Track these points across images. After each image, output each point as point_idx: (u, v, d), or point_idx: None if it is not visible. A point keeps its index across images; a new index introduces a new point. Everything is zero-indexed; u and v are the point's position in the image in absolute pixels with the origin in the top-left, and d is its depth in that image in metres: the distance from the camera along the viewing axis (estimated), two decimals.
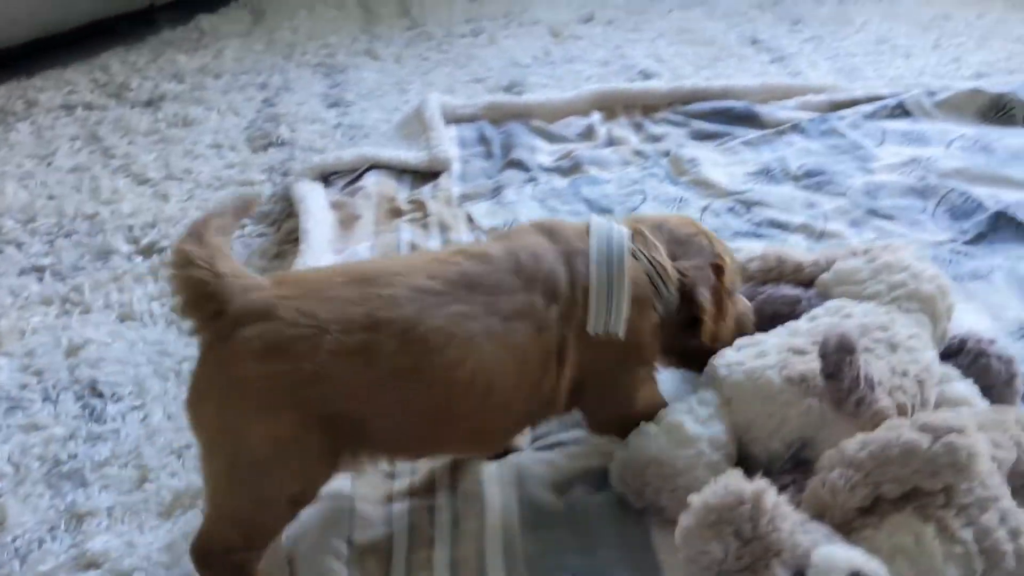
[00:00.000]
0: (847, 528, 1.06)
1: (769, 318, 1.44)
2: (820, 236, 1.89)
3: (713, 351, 1.32)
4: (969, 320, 1.60)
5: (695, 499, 1.02)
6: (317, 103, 2.82)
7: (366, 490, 1.33)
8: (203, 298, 1.04)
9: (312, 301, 1.05)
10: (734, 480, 1.02)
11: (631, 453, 1.25)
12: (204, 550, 1.09)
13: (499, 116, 2.53)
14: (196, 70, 3.13)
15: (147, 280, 1.94)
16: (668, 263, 1.26)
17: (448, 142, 2.33)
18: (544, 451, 1.39)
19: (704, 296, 1.27)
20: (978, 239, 1.84)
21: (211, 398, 1.05)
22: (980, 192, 1.96)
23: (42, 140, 2.66)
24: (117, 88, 3.00)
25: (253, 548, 1.11)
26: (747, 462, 1.26)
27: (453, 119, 2.54)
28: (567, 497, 1.31)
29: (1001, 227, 1.85)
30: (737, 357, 1.30)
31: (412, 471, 1.36)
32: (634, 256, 1.24)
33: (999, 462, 1.12)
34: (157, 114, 2.77)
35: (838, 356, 1.17)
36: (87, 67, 3.21)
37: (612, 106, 2.54)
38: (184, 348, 1.71)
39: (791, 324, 1.36)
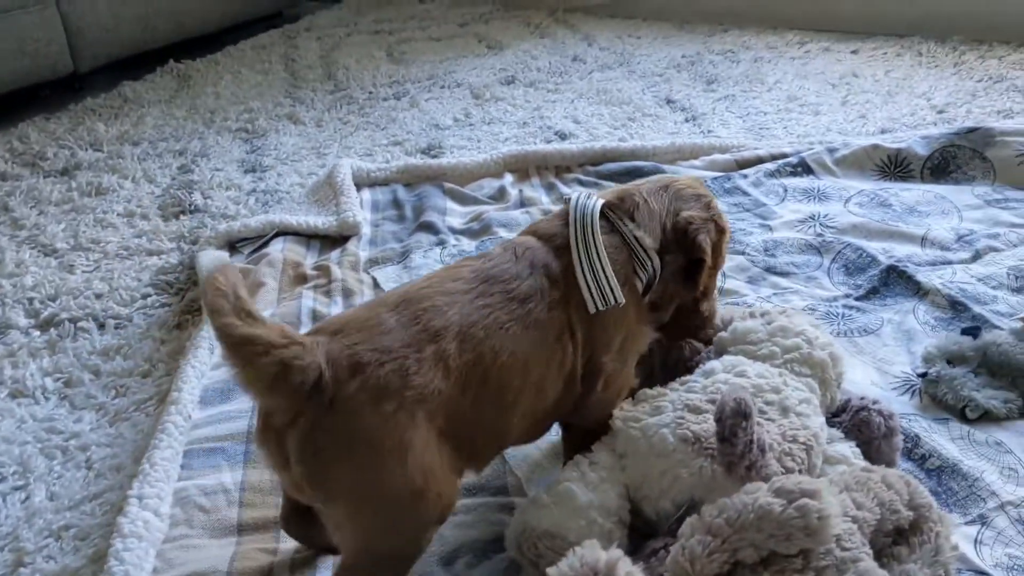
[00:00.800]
0: None
1: (671, 367, 1.46)
2: (720, 291, 1.92)
3: (698, 325, 1.47)
4: (857, 374, 1.63)
5: (551, 571, 1.01)
6: (234, 169, 2.82)
7: (244, 563, 1.30)
8: (299, 373, 1.02)
9: (380, 337, 1.10)
10: (589, 551, 1.01)
11: (526, 522, 1.24)
12: None
13: (413, 179, 2.55)
14: (115, 137, 3.12)
15: (43, 354, 1.90)
16: (643, 234, 1.33)
17: (358, 206, 2.34)
18: None
19: (705, 240, 1.35)
20: (871, 294, 1.87)
21: (343, 459, 1.06)
22: (874, 247, 2.00)
23: None
24: (32, 157, 2.98)
25: (403, 572, 1.15)
26: (638, 521, 1.27)
27: (367, 183, 2.55)
28: (450, 569, 1.30)
29: (892, 281, 1.89)
30: (634, 412, 1.31)
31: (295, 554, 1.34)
32: (613, 227, 1.31)
33: (860, 522, 1.13)
34: (71, 183, 2.75)
35: (734, 421, 1.17)
36: (5, 136, 3.19)
37: (525, 167, 2.58)
38: (73, 424, 1.68)
39: (687, 379, 1.37)
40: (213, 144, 3.02)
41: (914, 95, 3.01)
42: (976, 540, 1.28)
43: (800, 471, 1.23)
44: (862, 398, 1.43)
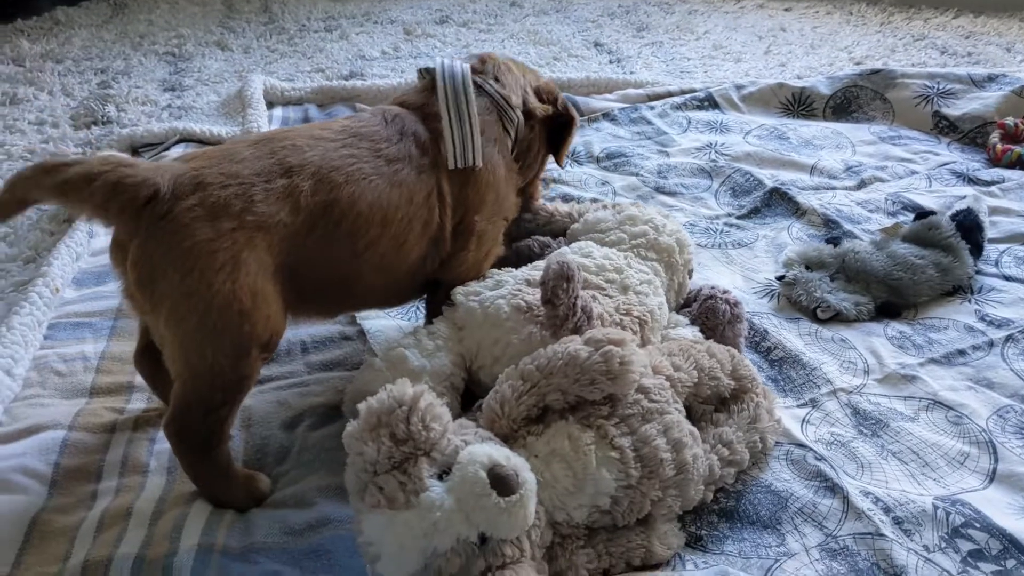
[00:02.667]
0: (514, 437, 1.09)
1: (525, 259, 1.49)
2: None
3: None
4: (724, 280, 1.67)
5: (362, 405, 1.04)
6: (153, 88, 2.80)
7: (88, 419, 1.32)
8: (130, 190, 1.05)
9: (229, 164, 1.13)
10: (398, 386, 1.04)
11: (358, 386, 1.27)
12: (181, 421, 1.12)
13: (326, 99, 2.56)
14: (38, 54, 3.08)
15: None
16: (512, 95, 1.41)
17: (264, 119, 2.34)
18: (277, 391, 1.40)
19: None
20: (752, 213, 1.92)
21: (170, 269, 1.07)
22: (763, 173, 2.04)
23: None
24: None
25: (230, 403, 1.14)
26: (477, 390, 1.30)
27: (281, 101, 2.56)
28: (291, 433, 1.32)
29: (775, 202, 1.93)
30: (476, 287, 1.33)
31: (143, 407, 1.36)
32: (481, 89, 1.37)
33: (674, 382, 1.16)
34: None
35: (555, 282, 1.20)
36: None
37: None
38: None
39: (536, 262, 1.40)
40: (136, 65, 3.01)
41: (836, 48, 3.05)
42: (804, 420, 1.33)
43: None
44: (712, 287, 1.47)
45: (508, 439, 1.09)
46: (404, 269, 1.29)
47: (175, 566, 1.07)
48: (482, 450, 1.00)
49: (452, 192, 1.30)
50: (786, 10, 3.56)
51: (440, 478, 0.99)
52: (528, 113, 1.43)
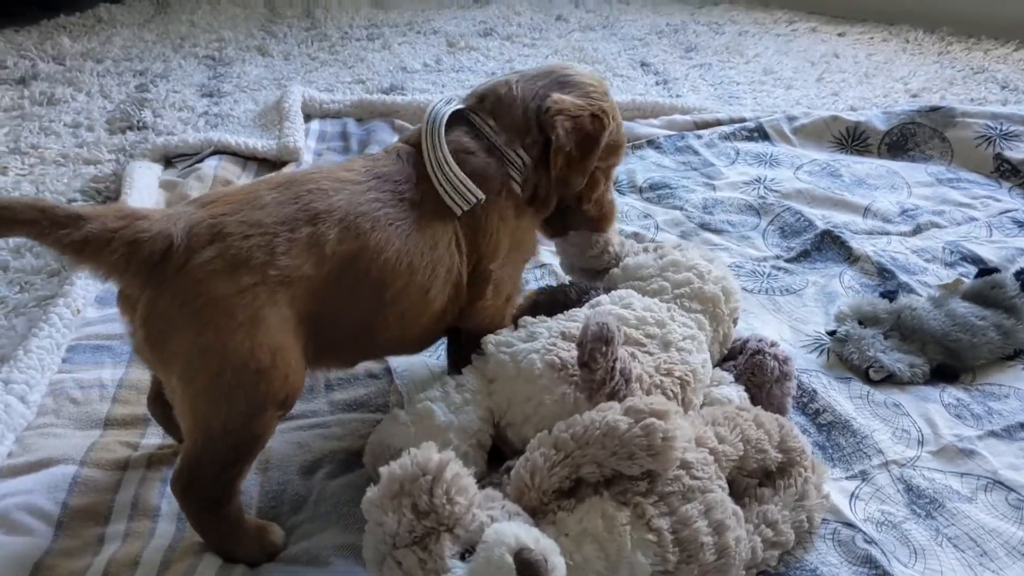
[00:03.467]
0: (544, 511, 1.02)
1: (561, 306, 1.41)
2: (649, 243, 1.87)
3: (593, 218, 1.42)
4: (771, 330, 1.59)
5: (383, 470, 0.97)
6: (191, 92, 2.77)
7: (101, 454, 1.27)
8: (146, 246, 0.99)
9: (251, 211, 1.06)
10: (423, 452, 0.97)
11: (381, 438, 1.21)
12: (188, 479, 1.06)
13: (365, 114, 2.51)
14: (79, 53, 3.07)
15: None
16: (504, 134, 1.26)
17: (301, 133, 2.29)
18: (298, 432, 1.34)
19: (562, 121, 1.25)
20: (801, 256, 1.83)
21: (184, 326, 1.00)
22: (814, 213, 1.96)
23: None
24: None
25: (242, 461, 1.08)
26: (504, 447, 1.23)
27: (319, 113, 2.51)
28: (310, 479, 1.26)
29: (825, 246, 1.84)
30: (508, 337, 1.26)
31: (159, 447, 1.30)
32: (478, 131, 1.26)
33: (718, 455, 1.09)
34: (24, 91, 2.71)
35: (594, 345, 1.13)
36: None
37: None
38: None
39: (573, 311, 1.33)
40: (176, 68, 2.98)
41: (891, 78, 2.95)
42: (853, 495, 1.24)
43: None
44: (760, 340, 1.39)
45: (537, 513, 1.02)
46: (428, 317, 1.22)
47: None
48: (509, 530, 0.92)
49: (466, 238, 1.22)
50: (839, 35, 3.46)
51: (463, 557, 0.92)
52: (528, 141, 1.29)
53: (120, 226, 0.98)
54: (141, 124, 2.50)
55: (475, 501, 0.96)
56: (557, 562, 0.92)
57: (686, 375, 1.23)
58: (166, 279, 1.00)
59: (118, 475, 1.25)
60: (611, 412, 1.03)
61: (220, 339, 1.00)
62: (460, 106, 1.28)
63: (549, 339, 1.22)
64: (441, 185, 1.18)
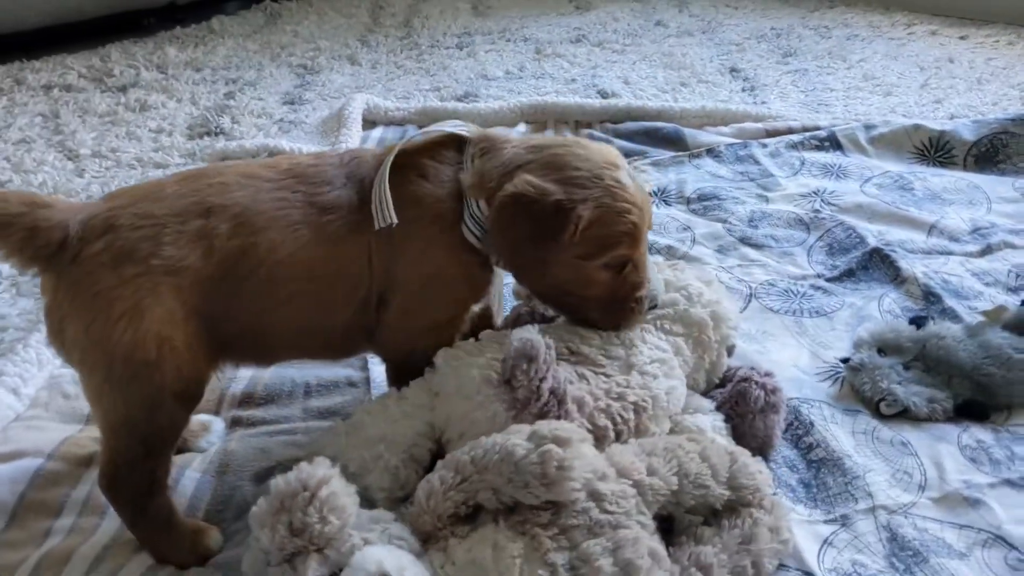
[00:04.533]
0: (437, 536, 0.96)
1: (543, 322, 1.34)
2: (681, 258, 1.77)
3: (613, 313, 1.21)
4: (784, 355, 1.48)
5: (272, 483, 0.95)
6: (274, 100, 2.84)
7: (70, 448, 1.30)
8: (43, 235, 1.02)
9: (147, 204, 1.07)
10: (309, 468, 0.94)
11: (314, 448, 1.18)
12: (110, 475, 1.08)
13: (428, 120, 2.50)
14: (181, 63, 3.21)
15: None
16: (472, 177, 1.16)
17: (355, 140, 2.31)
18: (264, 437, 1.34)
19: (501, 203, 1.11)
20: (845, 276, 1.69)
21: (74, 319, 1.04)
22: (868, 229, 1.80)
23: (10, 115, 2.76)
24: (101, 74, 3.10)
25: (155, 455, 1.09)
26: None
27: (384, 120, 2.53)
28: (262, 486, 1.25)
29: (873, 265, 1.69)
30: (458, 350, 1.20)
31: None
32: (466, 154, 1.19)
33: (643, 489, 1.00)
34: (121, 98, 2.85)
35: (515, 362, 1.07)
36: (90, 54, 3.33)
37: (544, 119, 2.48)
38: (7, 308, 1.72)
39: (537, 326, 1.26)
40: (267, 76, 3.06)
41: (1006, 84, 2.69)
42: (826, 540, 1.12)
43: (619, 431, 1.11)
44: (751, 368, 1.29)
45: (430, 538, 0.97)
46: (331, 329, 1.18)
47: None
48: (374, 555, 0.88)
49: (381, 255, 1.14)
50: (961, 38, 3.19)
51: None
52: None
53: (21, 212, 1.01)
54: (219, 130, 2.58)
55: (350, 522, 0.91)
56: None
57: (643, 400, 1.15)
58: (62, 270, 1.02)
59: (80, 471, 1.27)
60: (513, 437, 0.96)
61: (106, 330, 1.01)
62: (465, 133, 1.21)
63: (494, 354, 1.16)
64: (377, 195, 1.13)
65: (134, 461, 1.07)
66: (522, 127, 2.44)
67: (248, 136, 2.52)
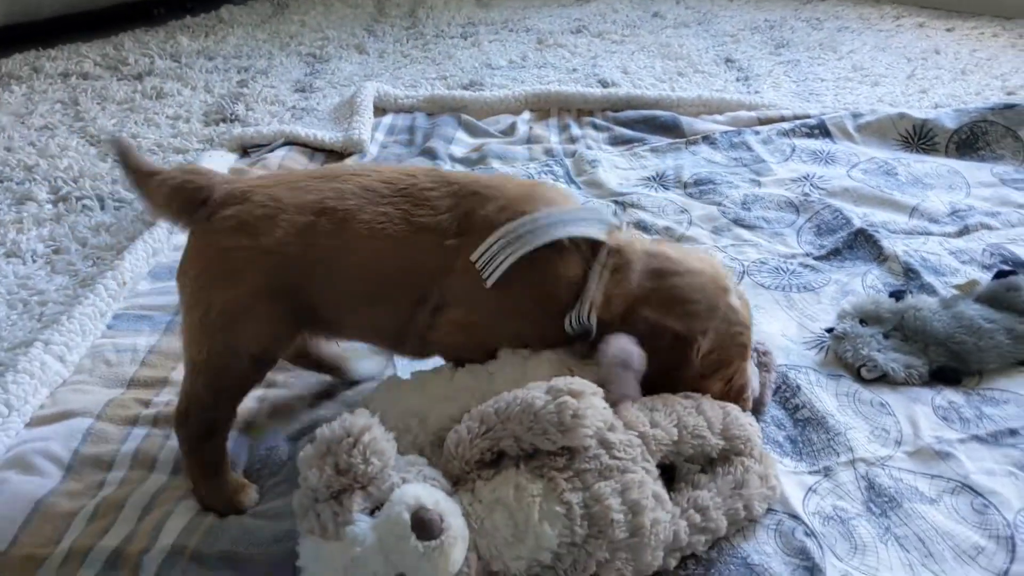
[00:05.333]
0: (465, 479, 1.08)
1: None
2: (679, 239, 1.89)
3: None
4: (774, 326, 1.59)
5: (317, 432, 1.06)
6: (286, 87, 2.95)
7: (116, 410, 1.42)
8: (193, 192, 1.23)
9: (281, 188, 1.24)
10: (351, 416, 1.05)
11: (357, 403, 1.28)
12: (181, 411, 1.25)
13: (436, 108, 2.61)
14: (194, 51, 3.31)
15: (47, 224, 2.07)
16: (597, 300, 1.20)
17: (368, 126, 2.41)
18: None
19: (609, 351, 1.17)
20: (832, 255, 1.81)
21: (191, 268, 1.23)
22: (854, 211, 1.92)
23: (30, 102, 2.87)
24: (116, 62, 3.21)
25: (220, 405, 1.25)
26: None
27: (394, 108, 2.63)
28: (295, 444, 1.36)
29: (858, 244, 1.81)
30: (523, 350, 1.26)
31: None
32: (589, 265, 1.22)
33: (647, 439, 1.12)
34: (138, 86, 2.95)
35: (612, 367, 1.15)
36: (104, 43, 3.44)
37: (547, 107, 2.59)
38: (45, 284, 1.84)
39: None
40: (278, 64, 3.17)
41: (989, 75, 2.81)
42: (811, 488, 1.24)
43: None
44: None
45: (459, 481, 1.08)
46: (400, 327, 1.27)
47: (144, 564, 1.13)
48: (412, 491, 1.00)
49: (455, 287, 1.21)
50: (948, 30, 3.31)
51: (372, 513, 1.00)
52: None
53: (173, 176, 1.25)
54: (234, 117, 2.69)
55: (390, 463, 1.03)
56: (454, 523, 0.99)
57: None
58: (198, 225, 1.23)
59: (127, 429, 1.39)
60: (534, 390, 1.08)
61: (209, 282, 1.19)
62: (602, 238, 1.23)
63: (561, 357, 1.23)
64: (489, 245, 1.19)
65: (202, 404, 1.22)
66: (527, 115, 2.55)
67: (263, 123, 2.63)
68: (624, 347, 1.16)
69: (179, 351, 1.51)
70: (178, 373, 1.51)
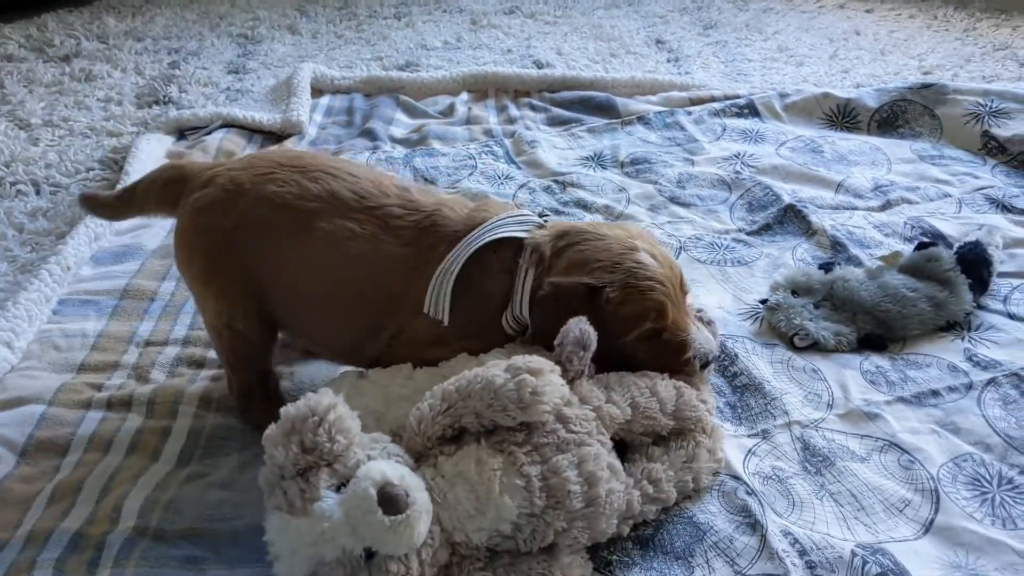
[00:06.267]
0: (427, 455, 1.12)
1: None
2: (618, 217, 1.95)
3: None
4: (712, 299, 1.66)
5: (282, 410, 1.08)
6: (219, 69, 2.92)
7: (68, 395, 1.42)
8: (176, 184, 1.33)
9: (248, 174, 1.29)
10: (315, 395, 1.08)
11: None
12: (226, 377, 1.41)
13: (373, 89, 2.62)
14: (122, 32, 3.25)
15: None
16: (526, 295, 1.25)
17: (306, 108, 2.42)
18: None
19: (546, 306, 1.23)
20: (763, 230, 1.88)
21: (175, 251, 1.33)
22: (784, 188, 2.00)
23: None
24: (42, 44, 3.14)
25: (237, 373, 1.37)
26: None
27: (330, 89, 2.64)
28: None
29: (788, 220, 1.89)
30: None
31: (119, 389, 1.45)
32: (522, 260, 1.26)
33: (603, 414, 1.17)
34: (66, 68, 2.89)
35: (572, 348, 1.19)
36: (27, 24, 3.35)
37: (484, 88, 2.62)
38: None
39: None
40: (208, 46, 3.13)
41: (907, 56, 2.94)
42: (750, 451, 1.31)
43: None
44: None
45: (421, 456, 1.12)
46: (354, 341, 1.32)
47: (107, 544, 1.15)
48: (378, 467, 1.03)
49: (408, 322, 1.27)
50: (867, 11, 3.44)
51: (339, 490, 1.03)
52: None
53: (156, 175, 1.38)
54: (167, 99, 2.66)
55: (356, 441, 1.06)
56: (419, 497, 1.03)
57: None
58: (178, 210, 1.32)
59: (82, 413, 1.39)
60: (493, 368, 1.12)
61: (183, 262, 1.32)
62: (523, 235, 1.29)
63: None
64: (436, 285, 1.23)
65: (227, 370, 1.38)
66: (465, 95, 2.58)
67: (198, 105, 2.61)
68: (586, 329, 1.21)
69: (129, 334, 1.54)
70: (129, 356, 1.52)
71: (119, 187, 1.91)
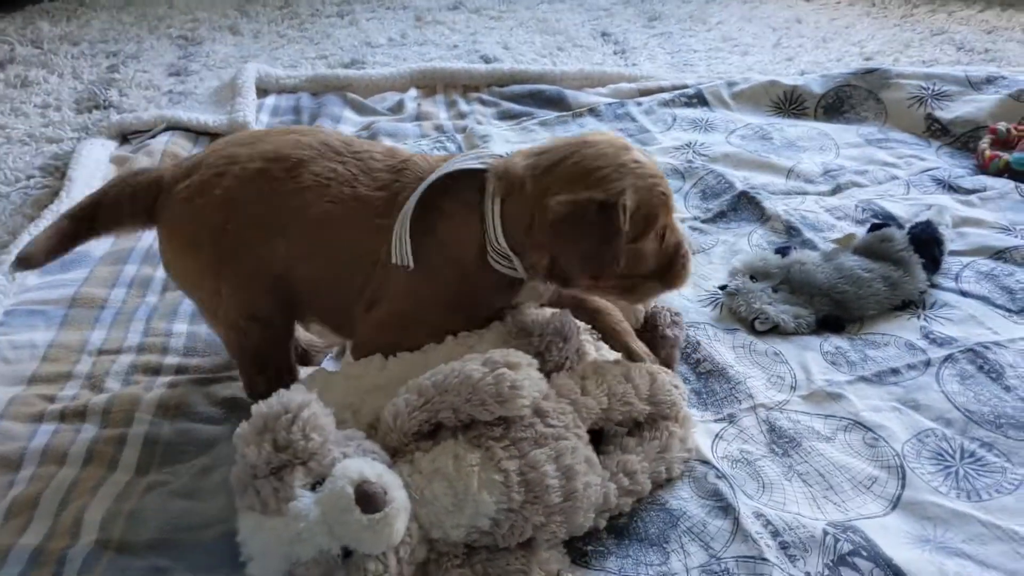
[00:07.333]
0: (404, 451, 1.10)
1: None
2: None
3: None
4: None
5: (253, 408, 1.06)
6: (159, 72, 2.86)
7: (19, 408, 1.38)
8: (147, 190, 1.28)
9: (236, 146, 1.26)
10: (287, 392, 1.06)
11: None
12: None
13: (320, 88, 2.59)
14: (56, 37, 3.17)
15: None
16: (499, 228, 1.19)
17: (251, 108, 2.38)
18: None
19: (558, 240, 1.16)
20: (718, 217, 1.90)
21: (165, 256, 1.30)
22: (736, 175, 2.02)
23: None
24: None
25: (248, 372, 1.35)
26: None
27: (276, 88, 2.60)
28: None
29: (742, 207, 1.91)
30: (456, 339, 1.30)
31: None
32: (486, 194, 1.20)
33: (579, 406, 1.16)
34: (0, 75, 2.81)
35: (552, 338, 1.22)
36: None
37: (433, 84, 2.61)
38: None
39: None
40: (148, 48, 3.07)
41: (848, 43, 2.98)
42: (717, 436, 1.32)
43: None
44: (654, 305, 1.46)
45: (397, 452, 1.11)
46: (344, 300, 1.28)
47: (68, 559, 1.11)
48: (355, 465, 1.02)
49: (382, 280, 1.24)
50: (807, 0, 3.48)
51: (313, 488, 1.02)
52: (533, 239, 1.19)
53: (119, 190, 1.31)
54: (107, 103, 2.59)
55: (331, 438, 1.05)
56: (397, 495, 1.01)
57: None
58: (158, 213, 1.27)
59: (33, 426, 1.35)
60: (471, 363, 1.11)
61: (177, 261, 1.29)
62: (482, 166, 1.22)
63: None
64: (396, 233, 1.19)
65: (251, 360, 1.33)
66: (413, 92, 2.56)
67: (140, 108, 2.55)
68: (567, 320, 1.21)
69: (81, 344, 1.50)
70: (82, 366, 1.48)
71: (61, 205, 1.87)
